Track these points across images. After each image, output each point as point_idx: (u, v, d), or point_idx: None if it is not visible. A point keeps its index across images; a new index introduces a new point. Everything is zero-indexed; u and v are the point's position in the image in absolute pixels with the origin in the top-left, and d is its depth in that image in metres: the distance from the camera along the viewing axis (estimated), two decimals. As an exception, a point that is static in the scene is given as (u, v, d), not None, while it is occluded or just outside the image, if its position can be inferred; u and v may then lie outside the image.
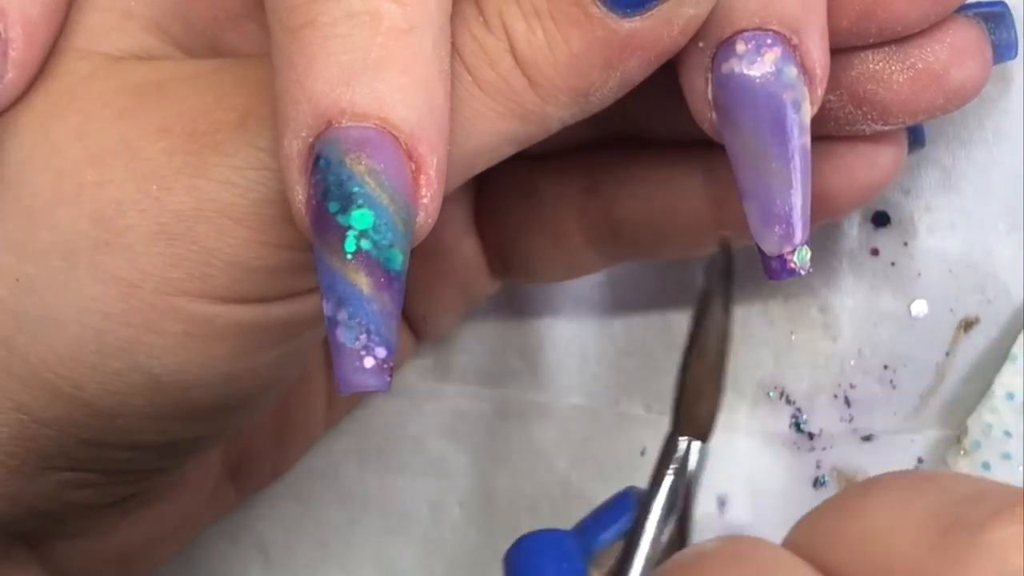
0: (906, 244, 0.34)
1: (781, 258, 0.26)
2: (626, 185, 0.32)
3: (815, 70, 0.26)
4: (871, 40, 0.27)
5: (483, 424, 0.37)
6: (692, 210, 0.32)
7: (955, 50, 0.28)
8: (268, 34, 0.24)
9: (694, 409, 0.24)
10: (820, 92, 0.26)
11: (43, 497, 0.29)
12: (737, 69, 0.25)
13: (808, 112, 0.26)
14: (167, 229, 0.26)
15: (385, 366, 0.23)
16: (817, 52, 0.26)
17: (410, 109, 0.23)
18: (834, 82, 0.28)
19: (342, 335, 0.23)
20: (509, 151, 0.26)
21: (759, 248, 0.27)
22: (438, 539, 0.37)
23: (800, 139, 0.26)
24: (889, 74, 0.28)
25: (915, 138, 0.32)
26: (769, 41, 0.25)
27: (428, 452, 0.38)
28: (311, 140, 0.23)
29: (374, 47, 0.23)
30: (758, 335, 0.36)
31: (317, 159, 0.23)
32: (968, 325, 0.34)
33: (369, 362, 0.23)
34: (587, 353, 0.37)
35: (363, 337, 0.23)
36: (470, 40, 0.25)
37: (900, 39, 0.28)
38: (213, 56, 0.29)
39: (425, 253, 0.34)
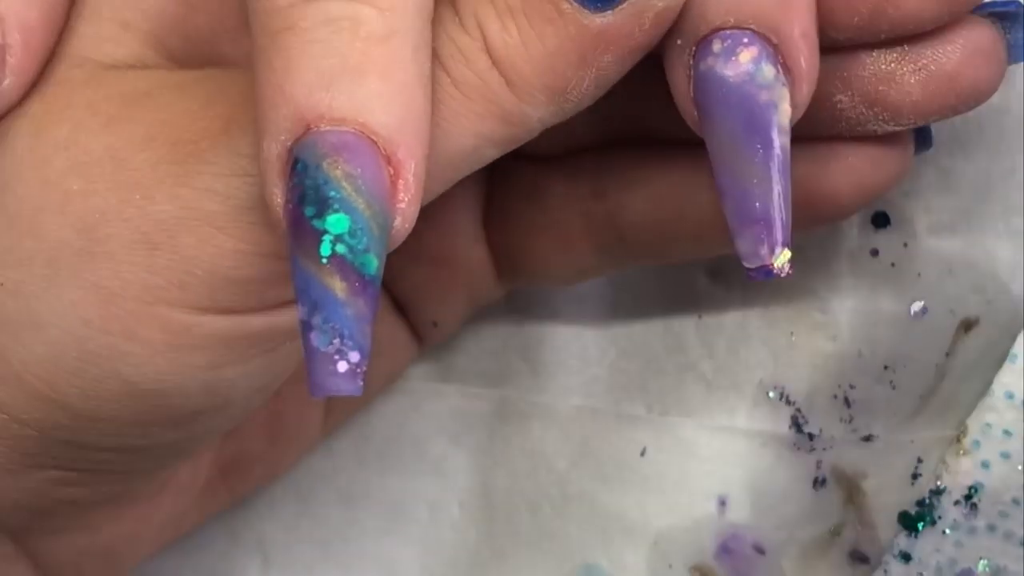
0: (906, 245, 0.34)
1: (759, 259, 0.26)
2: (632, 189, 0.32)
3: (797, 70, 0.25)
4: (883, 37, 0.27)
5: (483, 424, 0.37)
6: (699, 213, 0.32)
7: (968, 51, 0.28)
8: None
9: None
10: (805, 92, 0.26)
11: (29, 493, 0.29)
12: (713, 68, 0.25)
13: (787, 113, 0.25)
14: (149, 238, 0.26)
15: (358, 370, 0.23)
16: (799, 51, 0.25)
17: (388, 114, 0.23)
18: (846, 83, 0.28)
19: (316, 339, 0.23)
20: (492, 154, 0.26)
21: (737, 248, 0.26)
22: (437, 539, 0.37)
23: (777, 140, 0.25)
24: (901, 75, 0.28)
25: (921, 140, 0.31)
26: (746, 40, 0.25)
27: (428, 452, 0.38)
28: (290, 144, 0.23)
29: (353, 52, 0.23)
30: (758, 335, 0.36)
31: (295, 163, 0.23)
32: (968, 325, 0.34)
33: (343, 366, 0.23)
34: (587, 354, 0.37)
35: (336, 341, 0.23)
36: (447, 41, 0.25)
37: (913, 40, 0.28)
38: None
39: (435, 261, 0.35)
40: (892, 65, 0.28)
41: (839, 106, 0.28)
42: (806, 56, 0.25)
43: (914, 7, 0.26)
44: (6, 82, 0.27)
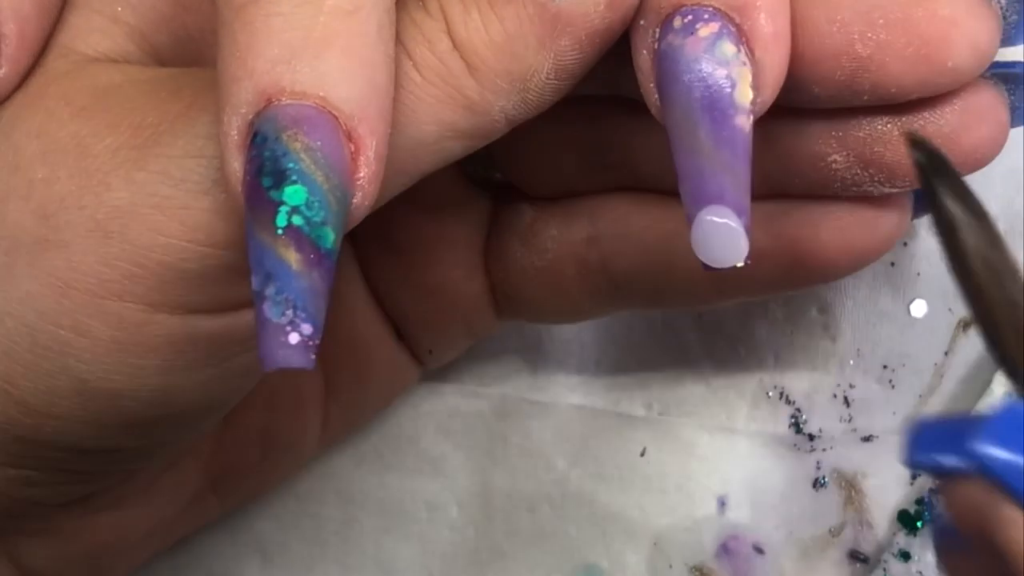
0: (905, 244, 0.35)
1: None
2: (626, 239, 0.32)
3: (761, 52, 0.24)
4: (865, 99, 0.26)
5: (482, 424, 0.37)
6: (689, 268, 0.30)
7: (967, 113, 0.27)
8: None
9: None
10: (771, 78, 0.25)
11: None
12: (672, 44, 0.24)
13: (748, 94, 0.24)
14: (103, 226, 0.25)
15: (311, 343, 0.22)
16: (763, 31, 0.24)
17: (351, 89, 0.23)
18: (841, 142, 0.27)
19: (268, 310, 0.22)
20: (455, 148, 0.26)
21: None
22: (436, 538, 0.37)
23: (736, 118, 0.24)
24: (897, 136, 0.27)
25: (921, 203, 0.30)
26: (706, 16, 0.24)
27: (426, 452, 0.38)
28: (251, 117, 0.23)
29: (316, 26, 0.23)
30: (758, 335, 0.36)
31: (255, 136, 0.23)
32: (967, 325, 0.34)
33: (294, 338, 0.22)
34: (587, 353, 0.37)
35: (289, 313, 0.22)
36: (409, 24, 0.25)
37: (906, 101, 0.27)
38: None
39: (433, 291, 0.34)
40: (888, 126, 0.27)
41: (834, 166, 0.28)
42: (770, 39, 0.24)
43: (895, 72, 0.26)
44: (1, 72, 0.27)
